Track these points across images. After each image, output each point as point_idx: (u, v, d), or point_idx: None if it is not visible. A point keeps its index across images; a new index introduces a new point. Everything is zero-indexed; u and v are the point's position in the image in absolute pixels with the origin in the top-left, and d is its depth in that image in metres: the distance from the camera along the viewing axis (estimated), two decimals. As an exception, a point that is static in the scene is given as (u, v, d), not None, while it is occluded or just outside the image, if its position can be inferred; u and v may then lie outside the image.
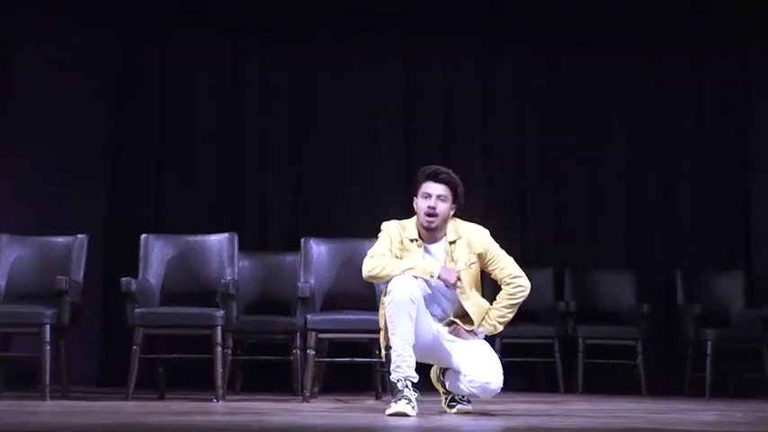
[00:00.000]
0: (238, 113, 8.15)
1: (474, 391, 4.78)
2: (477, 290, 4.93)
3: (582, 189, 8.26)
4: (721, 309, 7.68)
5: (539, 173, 8.25)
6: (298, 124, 8.17)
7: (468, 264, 4.83)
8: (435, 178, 4.85)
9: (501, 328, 4.90)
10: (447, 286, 4.76)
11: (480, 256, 4.86)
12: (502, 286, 4.91)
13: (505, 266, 4.89)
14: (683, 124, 8.28)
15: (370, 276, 4.82)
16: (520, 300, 4.89)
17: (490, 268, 4.89)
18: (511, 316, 4.90)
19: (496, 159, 8.25)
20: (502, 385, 4.76)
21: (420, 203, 4.85)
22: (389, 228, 4.90)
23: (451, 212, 4.87)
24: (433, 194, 4.83)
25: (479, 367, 4.75)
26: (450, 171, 4.89)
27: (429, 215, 4.80)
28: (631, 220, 8.23)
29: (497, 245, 4.91)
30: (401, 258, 4.82)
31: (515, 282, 4.89)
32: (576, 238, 8.24)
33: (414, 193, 4.91)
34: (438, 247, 4.87)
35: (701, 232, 8.21)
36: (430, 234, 4.86)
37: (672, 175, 8.25)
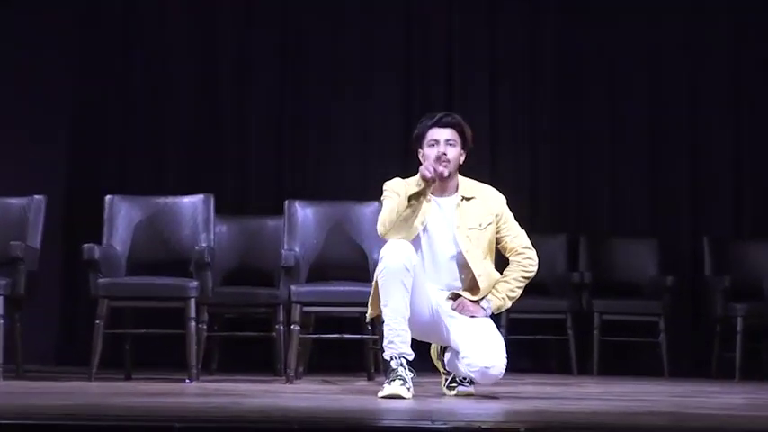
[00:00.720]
0: (214, 59, 8.10)
1: (472, 375, 4.78)
2: (491, 259, 4.93)
3: (600, 146, 8.24)
4: (753, 281, 7.68)
5: (552, 128, 8.22)
6: (284, 72, 8.12)
7: (483, 225, 4.86)
8: (440, 123, 4.89)
9: (509, 304, 4.94)
10: (427, 180, 4.64)
11: (495, 218, 4.90)
12: (511, 258, 4.96)
13: (518, 235, 4.97)
14: (715, 75, 8.23)
15: (384, 234, 4.80)
16: (530, 274, 4.95)
17: (502, 234, 4.94)
18: (520, 292, 4.95)
19: (504, 114, 8.22)
20: (504, 370, 4.75)
21: (427, 152, 4.87)
22: (393, 186, 4.90)
23: (462, 158, 4.90)
24: (441, 140, 4.86)
25: (479, 349, 4.73)
26: (454, 114, 4.95)
27: (440, 161, 4.80)
28: (655, 181, 8.21)
29: (512, 215, 4.98)
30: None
31: (527, 253, 4.94)
32: (592, 200, 8.23)
33: (417, 145, 4.93)
34: (449, 202, 4.89)
35: (732, 196, 8.19)
36: (441, 185, 4.87)
37: (701, 133, 8.22)
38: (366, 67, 8.14)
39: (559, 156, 8.23)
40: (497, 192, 5.00)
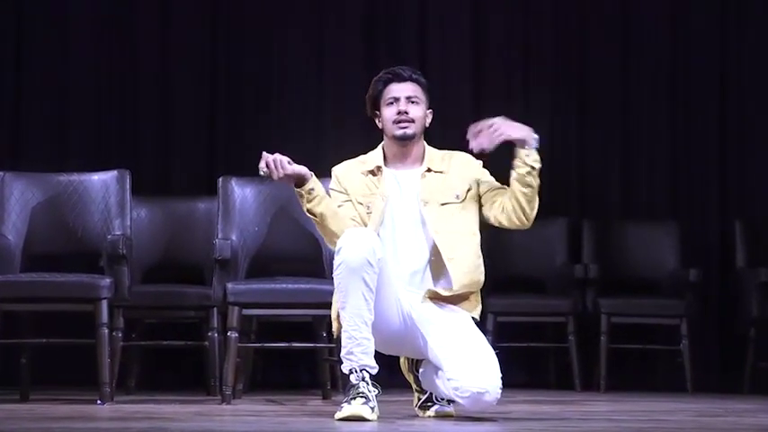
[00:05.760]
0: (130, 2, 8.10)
1: (461, 401, 4.76)
2: (475, 244, 4.89)
3: (608, 111, 8.28)
4: (796, 275, 7.77)
5: (548, 89, 8.25)
6: (215, 15, 8.10)
7: (462, 197, 4.87)
8: (399, 78, 4.95)
9: (537, 181, 4.80)
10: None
11: (475, 183, 4.89)
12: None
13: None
14: (755, 26, 8.28)
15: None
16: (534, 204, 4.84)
17: (484, 189, 4.89)
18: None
19: (490, 72, 8.23)
20: (500, 395, 4.73)
21: (386, 113, 4.92)
22: (340, 175, 4.97)
23: (428, 120, 4.93)
24: (402, 96, 4.92)
25: (469, 368, 4.71)
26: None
27: (402, 121, 4.86)
28: (676, 152, 8.26)
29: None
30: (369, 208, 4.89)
31: None
32: (599, 177, 8.28)
33: (373, 109, 4.97)
34: (411, 175, 4.92)
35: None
36: (404, 152, 4.92)
37: (734, 95, 8.27)
38: (319, 18, 8.13)
39: (558, 118, 8.25)
40: (471, 157, 4.95)
